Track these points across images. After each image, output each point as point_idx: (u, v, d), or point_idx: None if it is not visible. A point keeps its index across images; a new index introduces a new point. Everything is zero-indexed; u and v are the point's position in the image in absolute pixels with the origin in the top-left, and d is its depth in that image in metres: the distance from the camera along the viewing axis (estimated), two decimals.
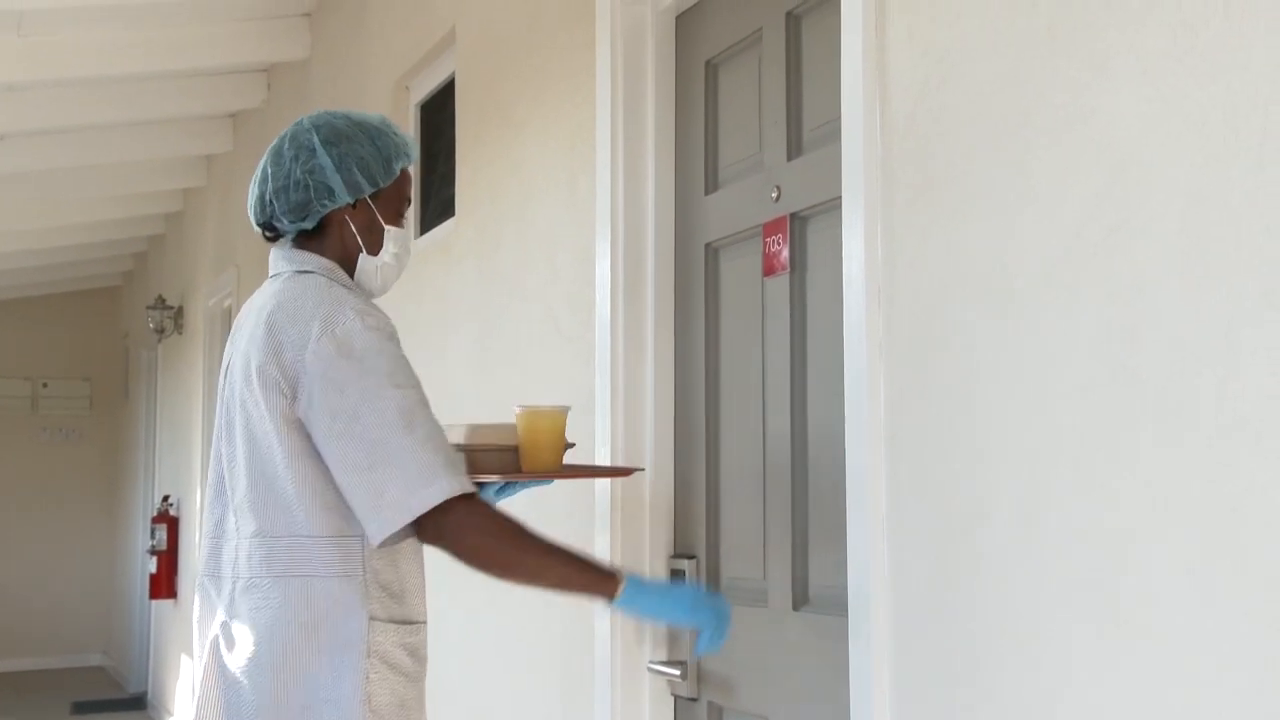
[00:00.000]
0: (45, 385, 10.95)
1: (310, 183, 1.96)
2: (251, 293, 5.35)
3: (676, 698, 2.52)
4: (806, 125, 2.22)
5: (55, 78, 5.18)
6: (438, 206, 3.97)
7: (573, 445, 2.21)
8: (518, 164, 3.15)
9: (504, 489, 2.13)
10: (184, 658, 7.44)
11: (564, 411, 2.11)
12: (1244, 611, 1.30)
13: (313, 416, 1.82)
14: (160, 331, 8.16)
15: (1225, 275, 1.34)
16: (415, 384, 1.86)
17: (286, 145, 1.99)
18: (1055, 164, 1.56)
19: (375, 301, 2.02)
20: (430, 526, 1.79)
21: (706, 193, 2.51)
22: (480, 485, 2.12)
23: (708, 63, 2.53)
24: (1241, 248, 1.32)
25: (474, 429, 2.13)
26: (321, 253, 2.00)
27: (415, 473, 1.77)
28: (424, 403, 1.84)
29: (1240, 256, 1.32)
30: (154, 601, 8.48)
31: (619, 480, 2.56)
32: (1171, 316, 1.40)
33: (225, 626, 1.89)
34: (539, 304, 2.99)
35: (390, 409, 1.79)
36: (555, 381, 2.88)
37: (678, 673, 2.43)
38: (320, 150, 1.96)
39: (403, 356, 1.87)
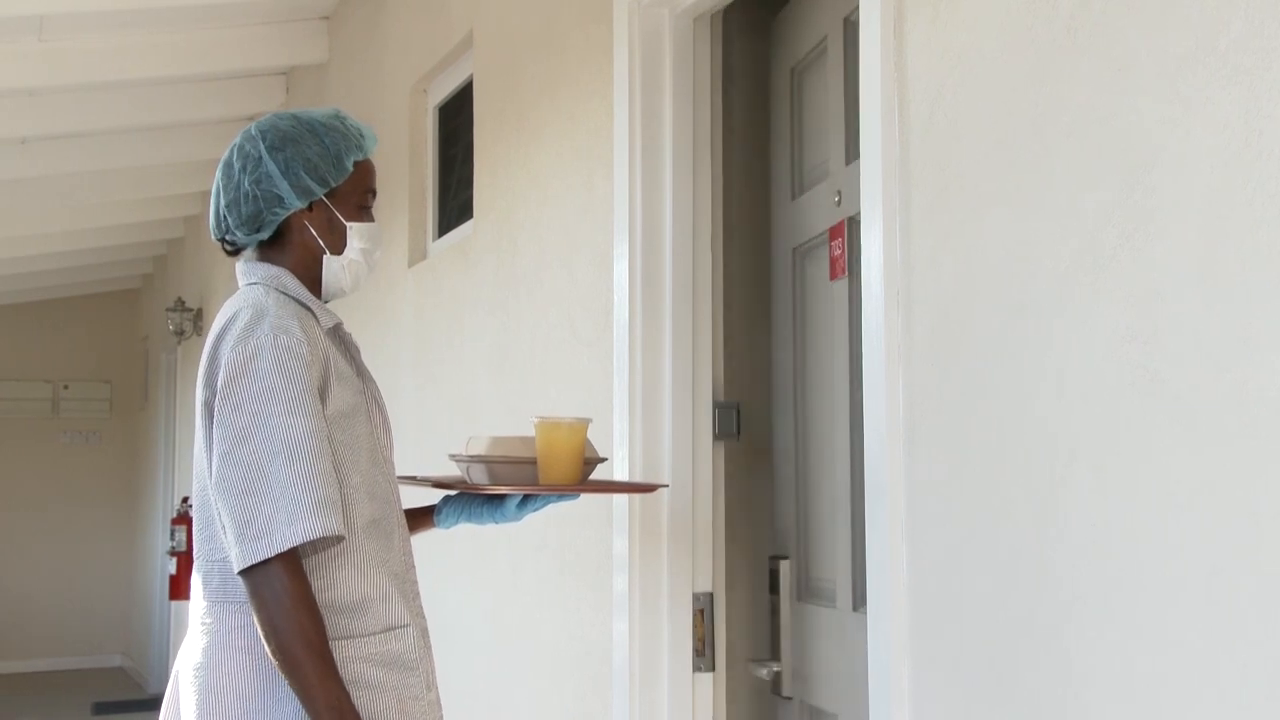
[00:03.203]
0: (66, 388, 11.00)
1: (258, 193, 1.92)
2: None
3: (778, 698, 2.51)
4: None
5: (76, 82, 5.21)
6: (455, 209, 3.98)
7: (604, 460, 2.17)
8: (535, 167, 3.16)
9: (525, 503, 2.08)
10: None
11: (584, 424, 2.06)
12: (1264, 614, 1.30)
13: (213, 432, 1.80)
14: (180, 333, 8.20)
15: (1245, 277, 1.33)
16: (312, 413, 1.78)
17: (235, 156, 1.95)
18: (1074, 166, 1.55)
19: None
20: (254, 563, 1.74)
21: None
22: (501, 498, 2.10)
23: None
24: (1261, 250, 1.31)
25: (496, 440, 2.11)
26: (284, 260, 1.96)
27: (285, 507, 1.72)
28: (315, 435, 1.77)
29: (1260, 259, 1.31)
30: (174, 602, 8.51)
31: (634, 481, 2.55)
32: (1191, 318, 1.39)
33: (185, 644, 1.90)
34: (556, 307, 2.99)
35: (278, 436, 1.74)
36: (573, 385, 2.88)
37: (770, 671, 2.43)
38: (266, 157, 1.92)
39: (309, 382, 1.79)
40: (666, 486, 2.24)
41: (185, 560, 8.04)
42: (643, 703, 2.54)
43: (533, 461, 2.07)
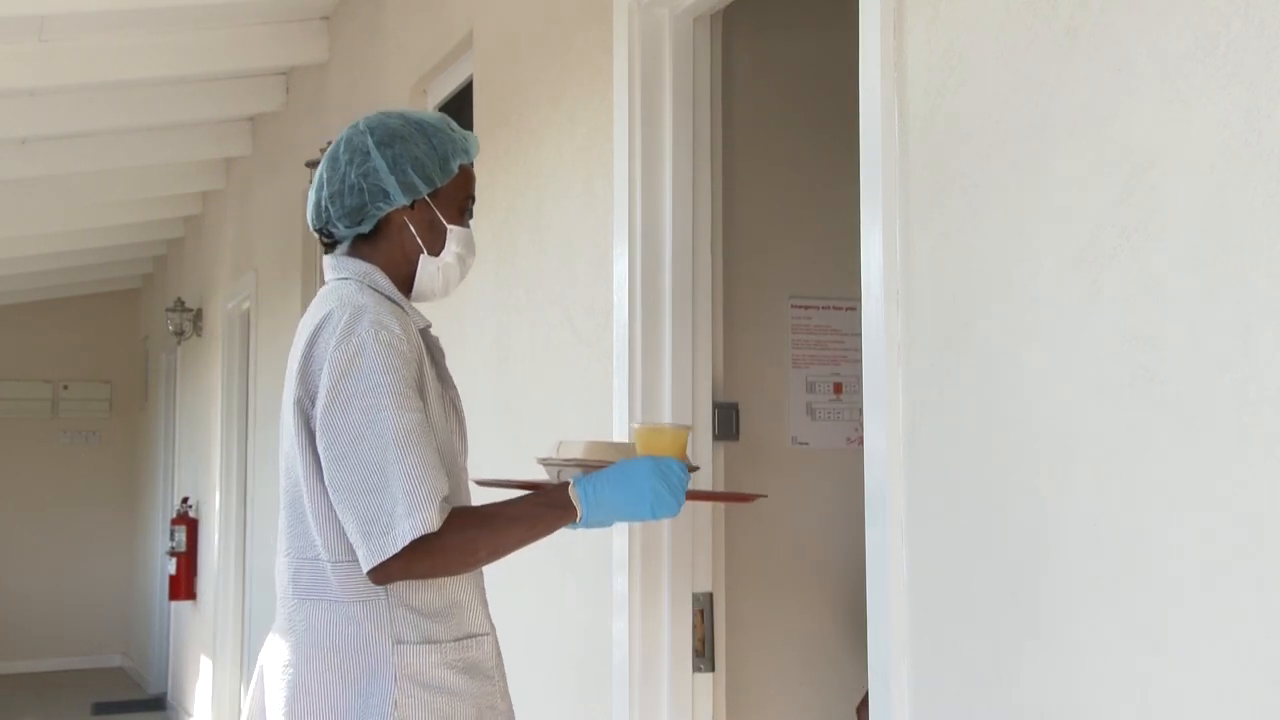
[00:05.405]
0: (66, 388, 10.99)
1: (365, 186, 1.92)
2: (270, 295, 5.41)
3: None
4: None
5: (76, 82, 5.21)
6: None
7: (698, 468, 2.12)
8: (535, 166, 3.16)
9: None
10: (203, 659, 7.47)
11: (686, 430, 2.03)
12: (1264, 614, 1.30)
13: (319, 432, 1.79)
14: (180, 334, 8.19)
15: (1245, 277, 1.33)
16: (418, 407, 1.79)
17: (342, 149, 1.96)
18: (1074, 166, 1.55)
19: (433, 304, 2.00)
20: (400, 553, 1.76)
21: None
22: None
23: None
24: (1261, 250, 1.31)
25: (591, 445, 2.08)
26: (377, 255, 1.95)
27: (403, 501, 1.73)
28: (423, 427, 1.79)
29: (1260, 259, 1.31)
30: (173, 603, 8.51)
31: None
32: (1190, 319, 1.39)
33: (271, 641, 1.91)
34: (556, 307, 2.99)
35: (388, 432, 1.75)
36: (573, 385, 2.88)
37: None
38: (374, 152, 1.92)
39: (410, 377, 1.80)
40: (765, 497, 2.16)
41: (185, 561, 8.04)
42: (643, 703, 2.54)
43: None
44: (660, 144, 2.64)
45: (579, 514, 1.81)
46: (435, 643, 1.82)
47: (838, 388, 3.06)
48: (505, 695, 1.92)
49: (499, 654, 1.93)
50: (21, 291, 9.98)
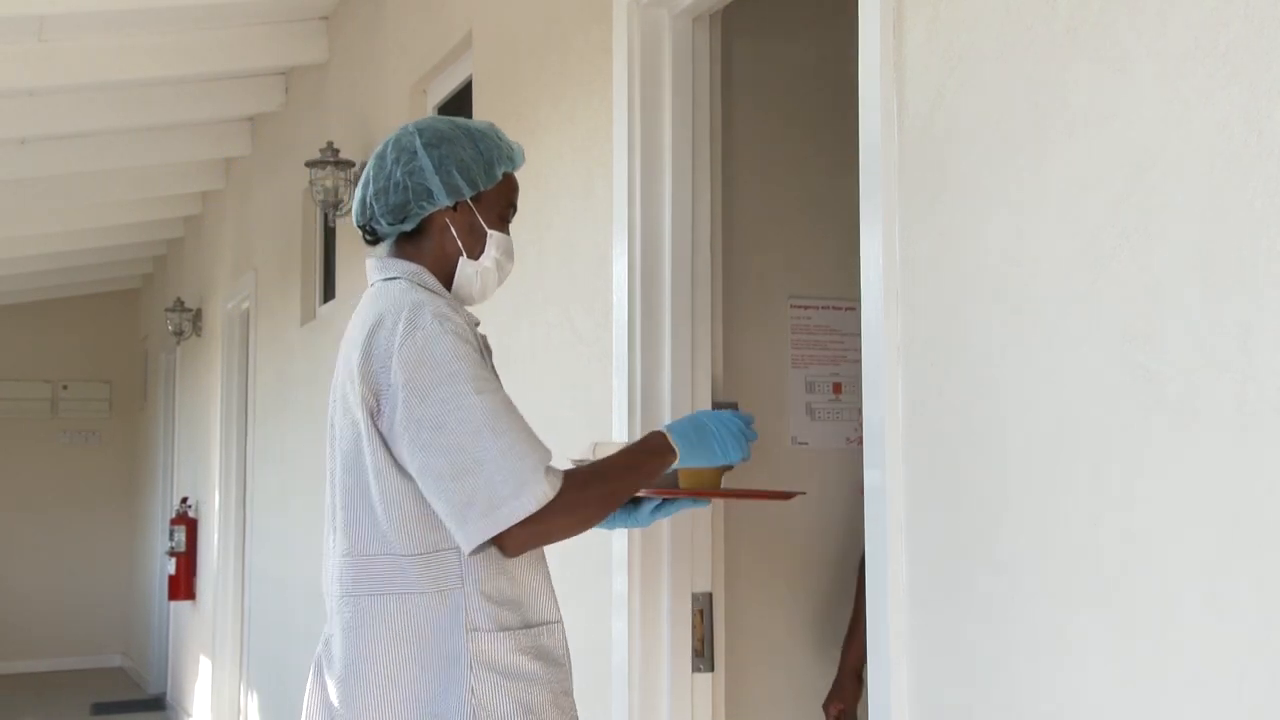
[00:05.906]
0: (65, 388, 11.00)
1: (409, 184, 1.95)
2: (269, 295, 5.41)
3: None
4: None
5: (75, 82, 5.21)
6: None
7: (731, 467, 2.14)
8: (535, 166, 3.16)
9: (661, 506, 2.09)
10: (203, 658, 7.47)
11: None
12: (1263, 615, 1.30)
13: (397, 428, 1.81)
14: (179, 334, 8.20)
15: (1245, 278, 1.33)
16: (497, 386, 1.84)
17: (389, 148, 1.99)
18: (1074, 166, 1.55)
19: (473, 308, 2.03)
20: (513, 531, 1.79)
21: None
22: (638, 500, 2.09)
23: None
24: (1262, 250, 1.31)
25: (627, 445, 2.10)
26: (420, 256, 1.99)
27: (501, 481, 1.75)
28: (508, 404, 1.83)
29: (1261, 259, 1.31)
30: (173, 603, 8.51)
31: None
32: (1190, 319, 1.39)
33: (327, 642, 1.92)
34: (556, 306, 2.99)
35: (475, 416, 1.78)
36: (573, 385, 2.88)
37: None
38: (421, 152, 1.96)
39: (481, 359, 1.85)
40: (804, 494, 2.19)
41: (184, 561, 8.05)
42: (642, 703, 2.54)
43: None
44: (660, 144, 2.64)
45: (676, 455, 1.93)
46: (508, 630, 1.85)
47: (837, 388, 3.06)
48: (571, 684, 1.95)
49: (567, 643, 1.96)
50: (21, 291, 9.98)
